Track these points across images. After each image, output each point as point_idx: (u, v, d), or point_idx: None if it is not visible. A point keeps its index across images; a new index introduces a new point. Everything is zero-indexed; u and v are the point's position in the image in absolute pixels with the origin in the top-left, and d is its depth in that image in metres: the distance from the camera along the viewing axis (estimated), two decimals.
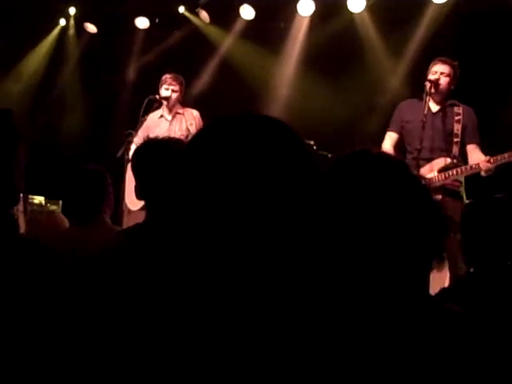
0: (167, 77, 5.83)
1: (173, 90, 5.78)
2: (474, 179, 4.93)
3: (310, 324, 1.12)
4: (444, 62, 5.04)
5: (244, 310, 1.10)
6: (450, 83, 5.03)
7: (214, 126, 1.20)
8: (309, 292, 1.16)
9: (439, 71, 5.01)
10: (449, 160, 4.93)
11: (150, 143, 2.63)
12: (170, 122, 5.82)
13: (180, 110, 5.82)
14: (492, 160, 4.77)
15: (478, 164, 4.82)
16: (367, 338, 1.23)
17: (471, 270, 2.45)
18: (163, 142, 2.57)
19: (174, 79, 5.81)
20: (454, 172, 4.89)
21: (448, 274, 4.46)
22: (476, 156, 4.99)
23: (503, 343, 1.32)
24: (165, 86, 5.79)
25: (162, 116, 5.90)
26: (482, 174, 4.81)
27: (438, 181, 4.88)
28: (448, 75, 5.02)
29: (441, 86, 4.98)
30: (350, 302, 1.29)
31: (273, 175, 1.13)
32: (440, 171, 4.92)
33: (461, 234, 2.44)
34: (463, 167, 4.90)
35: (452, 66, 5.03)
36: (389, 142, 5.22)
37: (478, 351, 1.27)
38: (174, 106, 5.85)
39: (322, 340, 1.12)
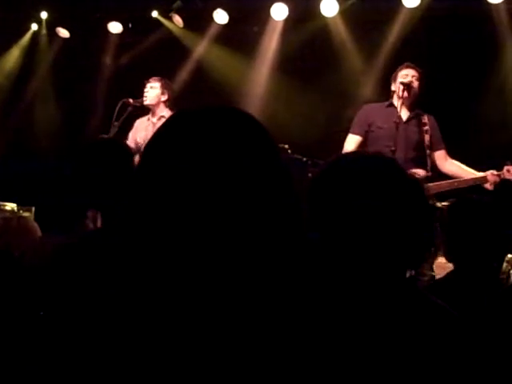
0: (151, 77, 5.79)
1: (151, 87, 5.73)
2: None
3: (298, 322, 1.11)
4: (413, 67, 5.04)
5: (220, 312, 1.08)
6: (419, 88, 5.02)
7: (176, 120, 1.19)
8: (295, 289, 1.15)
9: (410, 74, 4.99)
10: (423, 173, 4.85)
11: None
12: (154, 124, 5.71)
13: (165, 114, 5.65)
14: (498, 174, 4.69)
15: (485, 177, 4.73)
16: (357, 333, 1.24)
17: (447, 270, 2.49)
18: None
19: (155, 78, 5.76)
20: (446, 184, 4.81)
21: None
22: (448, 163, 4.97)
23: (486, 338, 1.34)
24: (146, 85, 5.75)
25: (149, 119, 5.84)
26: (488, 186, 4.70)
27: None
28: (418, 79, 5.01)
29: (413, 90, 4.96)
30: (344, 296, 1.30)
31: (236, 167, 1.11)
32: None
33: (444, 232, 2.47)
34: (452, 181, 4.83)
35: (419, 72, 5.04)
36: (352, 146, 5.01)
37: (465, 346, 1.29)
38: (156, 107, 5.74)
39: (311, 338, 1.12)
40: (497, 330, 1.72)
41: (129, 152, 2.55)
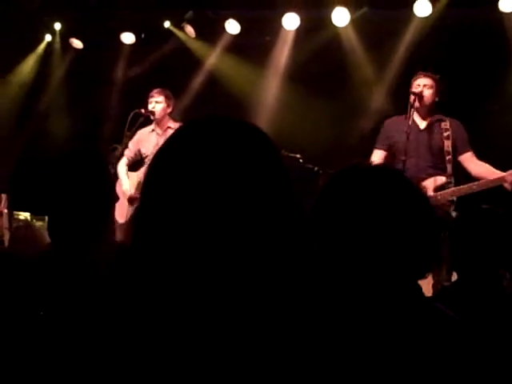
0: (152, 91, 5.87)
1: (156, 102, 5.82)
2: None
3: (305, 327, 1.11)
4: (426, 75, 5.07)
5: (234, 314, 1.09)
6: (433, 95, 5.05)
7: (185, 131, 1.20)
8: (298, 294, 1.16)
9: (422, 84, 5.03)
10: (444, 179, 4.88)
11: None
12: (160, 136, 5.81)
13: (171, 125, 5.79)
14: None
15: (503, 177, 4.72)
16: (364, 337, 1.25)
17: (454, 277, 2.51)
18: None
19: (158, 92, 5.85)
20: (466, 189, 4.80)
21: (431, 282, 4.45)
22: (475, 165, 4.95)
23: (493, 346, 1.35)
24: (150, 100, 5.84)
25: (153, 130, 5.93)
26: (507, 186, 4.69)
27: (438, 199, 4.77)
28: (431, 87, 5.04)
29: (425, 99, 5.00)
30: (350, 302, 1.31)
31: (242, 178, 1.13)
32: (436, 190, 4.86)
33: (451, 241, 2.48)
34: (470, 184, 4.81)
35: (434, 79, 5.06)
36: (376, 160, 5.04)
37: (471, 353, 1.30)
38: (162, 119, 5.84)
39: (318, 341, 1.12)
40: (501, 338, 1.72)
41: (99, 165, 2.48)
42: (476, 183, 4.84)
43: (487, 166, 4.98)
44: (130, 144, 5.94)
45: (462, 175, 5.06)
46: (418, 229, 1.39)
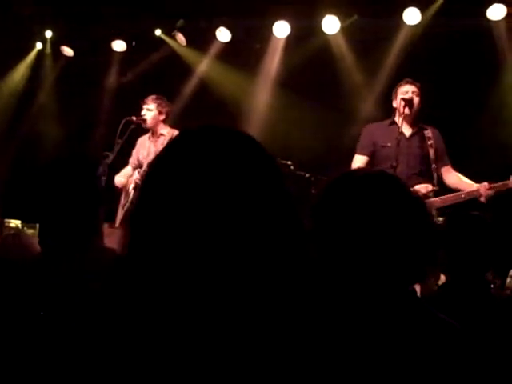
0: (147, 97, 5.86)
1: (148, 109, 5.82)
2: None
3: (303, 330, 1.12)
4: (412, 83, 5.08)
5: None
6: (420, 103, 5.06)
7: (178, 141, 1.21)
8: (297, 301, 1.17)
9: (410, 90, 5.04)
10: (430, 187, 4.91)
11: None
12: (153, 143, 5.83)
13: (164, 132, 5.79)
14: (491, 187, 4.75)
15: (478, 190, 4.78)
16: (360, 340, 1.26)
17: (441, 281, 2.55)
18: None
19: (151, 99, 5.84)
20: (452, 197, 4.86)
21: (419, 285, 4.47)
22: (454, 178, 5.02)
23: (485, 348, 1.37)
24: (143, 107, 5.83)
25: (149, 138, 5.94)
26: (482, 199, 4.76)
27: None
28: (418, 94, 5.05)
29: (414, 105, 5.01)
30: (347, 306, 1.33)
31: (239, 189, 1.13)
32: (424, 198, 4.84)
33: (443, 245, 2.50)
34: (458, 194, 4.87)
35: (418, 87, 5.08)
36: (359, 166, 5.01)
37: (464, 357, 1.31)
38: (155, 126, 5.84)
39: (316, 343, 1.13)
40: (491, 342, 1.74)
41: (88, 172, 2.53)
42: (461, 193, 4.89)
43: (460, 176, 5.04)
44: (133, 152, 6.02)
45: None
46: (417, 234, 1.40)
